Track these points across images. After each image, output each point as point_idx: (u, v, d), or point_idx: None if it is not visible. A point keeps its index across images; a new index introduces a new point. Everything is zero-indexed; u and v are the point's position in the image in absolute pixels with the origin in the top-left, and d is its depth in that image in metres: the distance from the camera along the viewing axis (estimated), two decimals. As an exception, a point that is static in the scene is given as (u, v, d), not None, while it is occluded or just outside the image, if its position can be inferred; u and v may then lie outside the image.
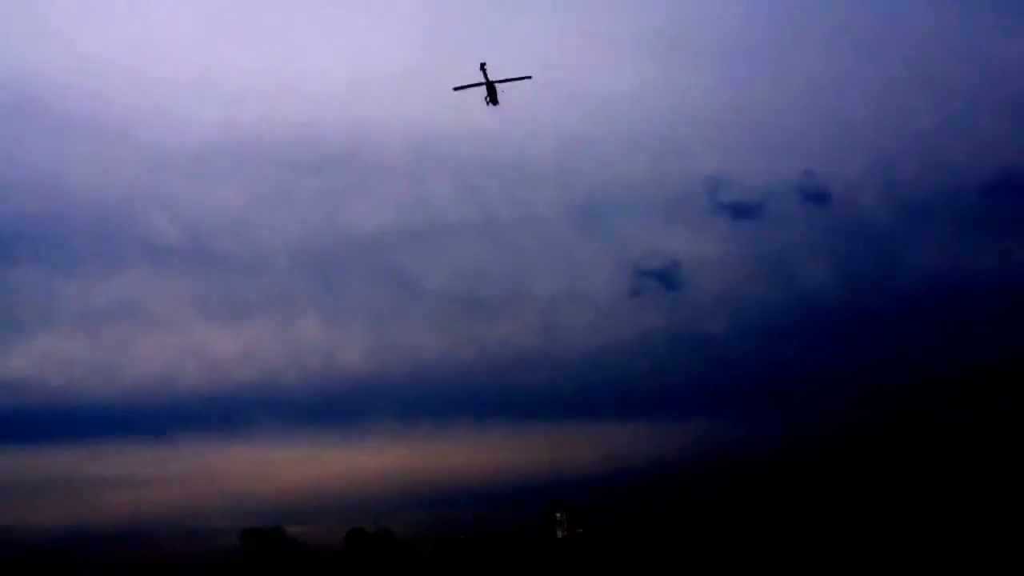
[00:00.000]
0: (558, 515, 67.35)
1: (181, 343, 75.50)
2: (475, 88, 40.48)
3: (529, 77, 41.55)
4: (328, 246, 48.67)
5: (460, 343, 71.04)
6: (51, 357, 60.00)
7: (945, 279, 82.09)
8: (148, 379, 64.56)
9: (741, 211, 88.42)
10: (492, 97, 41.78)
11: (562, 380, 76.92)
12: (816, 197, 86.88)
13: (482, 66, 40.31)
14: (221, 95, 45.11)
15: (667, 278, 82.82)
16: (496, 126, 51.39)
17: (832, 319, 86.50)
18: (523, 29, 69.88)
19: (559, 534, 68.39)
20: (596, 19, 72.28)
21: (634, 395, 77.94)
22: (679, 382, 78.40)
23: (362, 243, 52.85)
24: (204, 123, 44.42)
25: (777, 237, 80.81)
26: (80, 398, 64.22)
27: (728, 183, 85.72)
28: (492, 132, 50.05)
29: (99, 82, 43.59)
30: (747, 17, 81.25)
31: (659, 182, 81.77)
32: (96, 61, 44.66)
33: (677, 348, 75.40)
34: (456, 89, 41.80)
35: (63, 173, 42.29)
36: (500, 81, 41.62)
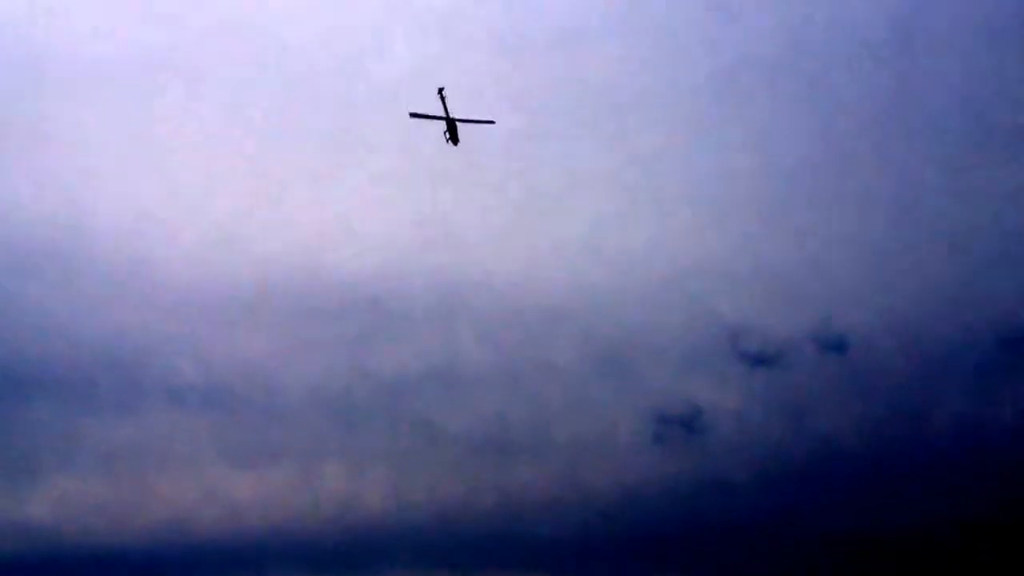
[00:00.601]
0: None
1: (200, 487, 75.46)
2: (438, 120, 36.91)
3: (492, 122, 38.48)
4: (350, 392, 49.49)
5: (483, 490, 71.36)
6: (67, 502, 59.98)
7: (964, 428, 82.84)
8: (166, 524, 64.45)
9: (761, 360, 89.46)
10: (452, 135, 38.47)
11: (585, 527, 76.67)
12: (834, 347, 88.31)
13: (440, 92, 38.61)
14: (244, 243, 46.03)
15: (690, 425, 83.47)
16: (520, 277, 52.14)
17: (850, 466, 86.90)
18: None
19: None
20: (618, 176, 74.37)
21: (659, 542, 77.71)
22: (702, 529, 78.18)
23: (384, 389, 53.68)
24: (227, 270, 45.30)
25: (796, 385, 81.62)
26: (96, 544, 63.81)
27: (748, 332, 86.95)
28: (516, 281, 50.98)
29: (122, 227, 44.56)
30: (764, 176, 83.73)
31: (681, 331, 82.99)
32: (119, 207, 45.75)
33: (700, 495, 75.51)
34: (412, 116, 38.48)
35: (83, 315, 43.06)
36: (462, 120, 38.26)
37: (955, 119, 74.96)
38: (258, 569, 73.11)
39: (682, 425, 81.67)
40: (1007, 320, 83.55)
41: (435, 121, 36.12)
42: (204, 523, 70.23)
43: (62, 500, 71.48)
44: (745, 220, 73.05)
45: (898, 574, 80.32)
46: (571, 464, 60.71)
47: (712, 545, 78.82)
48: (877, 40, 78.00)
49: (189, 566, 77.30)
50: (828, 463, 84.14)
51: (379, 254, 49.03)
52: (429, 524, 65.99)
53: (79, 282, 47.41)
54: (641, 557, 74.23)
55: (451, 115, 36.48)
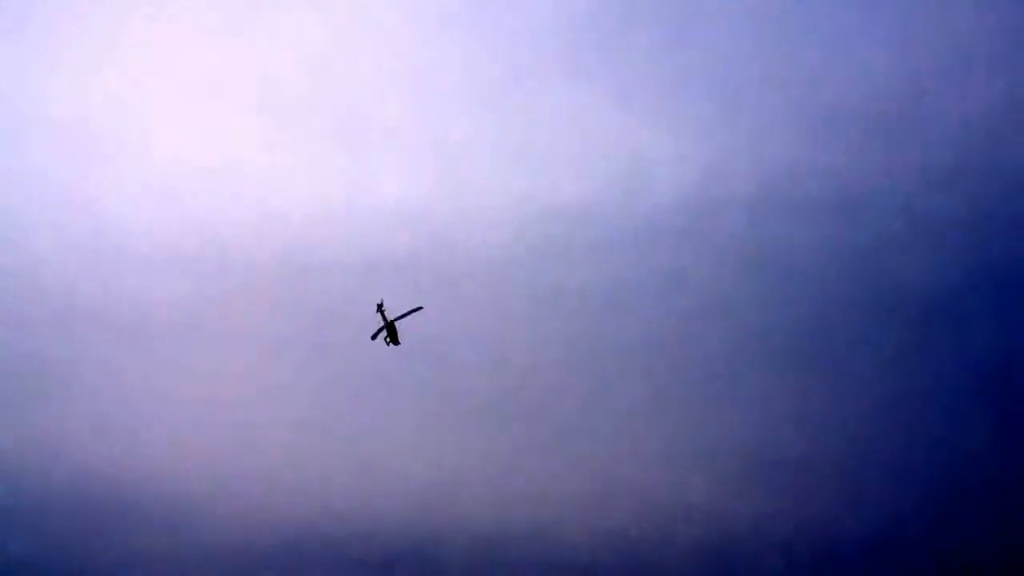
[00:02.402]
0: None
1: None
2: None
3: (420, 308, 40.08)
4: None
5: None
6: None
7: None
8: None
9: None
10: (392, 338, 40.32)
11: None
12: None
13: (379, 307, 39.61)
14: (305, 493, 45.57)
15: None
16: (554, 531, 50.13)
17: None
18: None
19: None
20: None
21: None
22: None
23: None
24: (286, 519, 44.55)
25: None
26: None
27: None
28: (551, 538, 49.21)
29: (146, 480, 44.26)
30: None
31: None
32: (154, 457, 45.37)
33: None
34: (372, 338, 40.49)
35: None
36: (397, 318, 40.08)
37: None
38: None
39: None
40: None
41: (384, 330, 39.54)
42: None
43: None
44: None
45: None
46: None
47: None
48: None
49: None
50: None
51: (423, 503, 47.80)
52: None
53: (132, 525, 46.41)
54: None
55: (389, 320, 39.36)
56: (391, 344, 39.19)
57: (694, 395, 48.58)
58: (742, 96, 50.76)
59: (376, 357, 43.51)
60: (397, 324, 38.54)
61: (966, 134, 50.37)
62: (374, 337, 38.74)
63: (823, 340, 49.31)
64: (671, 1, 51.79)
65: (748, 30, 51.49)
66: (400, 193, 49.67)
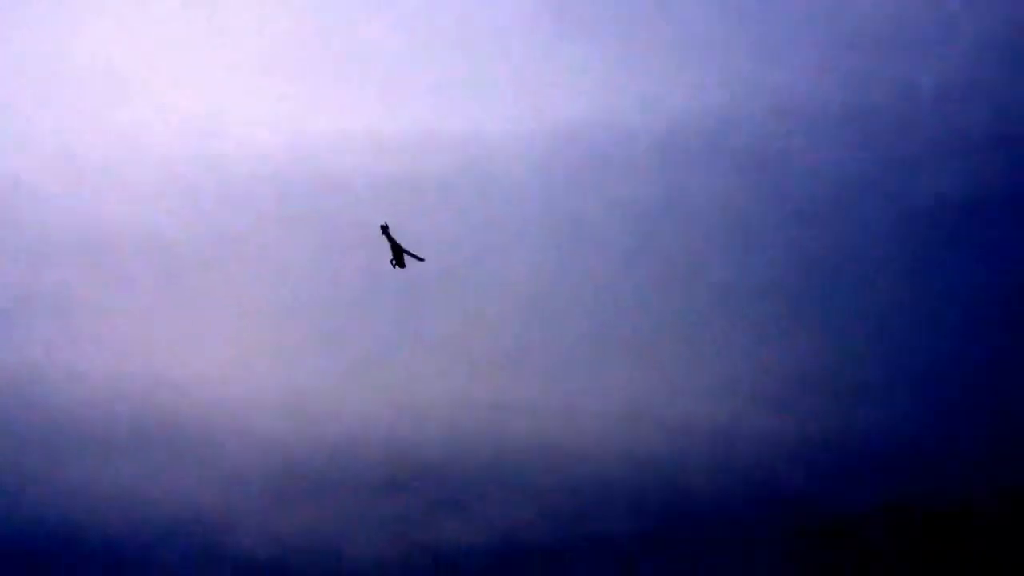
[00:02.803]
0: None
1: None
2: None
3: (423, 260, 39.15)
4: (416, 564, 47.11)
5: None
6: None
7: None
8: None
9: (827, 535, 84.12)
10: (399, 260, 39.04)
11: None
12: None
13: (384, 229, 38.69)
14: (305, 414, 45.05)
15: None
16: (576, 449, 49.58)
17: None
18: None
19: None
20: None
21: None
22: None
23: (449, 559, 50.62)
24: (288, 441, 44.34)
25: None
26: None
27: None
28: (574, 454, 48.69)
29: (178, 400, 44.23)
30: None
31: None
32: (174, 379, 45.21)
33: None
34: (393, 265, 39.32)
35: (144, 490, 42.12)
36: (406, 252, 38.74)
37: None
38: None
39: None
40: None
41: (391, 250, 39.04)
42: None
43: None
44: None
45: None
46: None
47: None
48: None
49: None
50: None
51: (444, 425, 47.45)
52: None
53: (138, 454, 46.55)
54: None
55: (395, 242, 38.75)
56: (397, 267, 39.15)
57: (713, 318, 47.88)
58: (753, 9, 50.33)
59: (404, 280, 43.64)
60: (403, 250, 38.56)
61: (987, 48, 49.25)
62: (394, 264, 38.60)
63: (848, 259, 48.28)
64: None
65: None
66: (421, 118, 49.88)
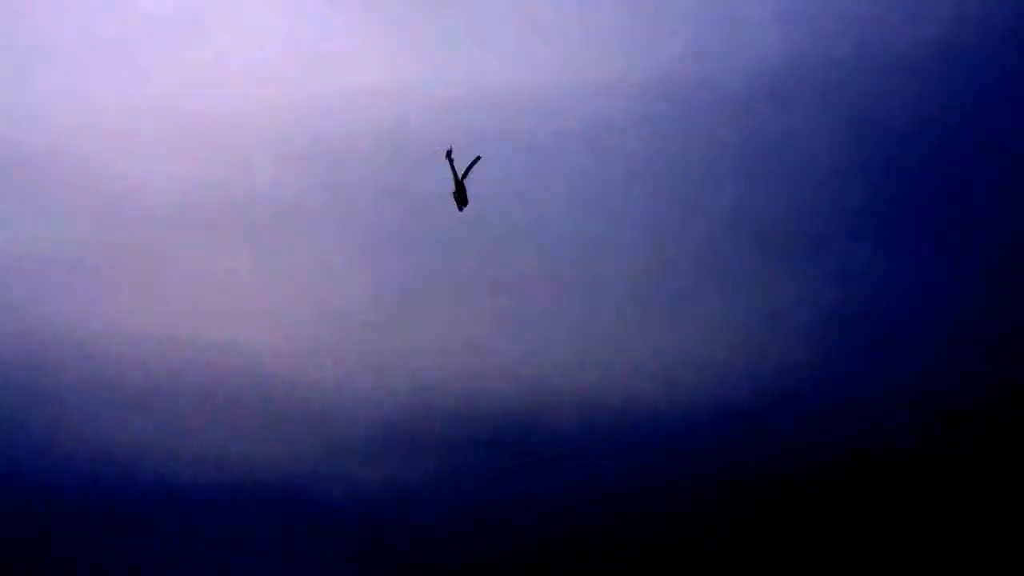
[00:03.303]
0: None
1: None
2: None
3: (479, 158, 34.49)
4: (495, 520, 47.65)
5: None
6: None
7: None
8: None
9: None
10: (461, 197, 35.42)
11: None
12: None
13: (448, 155, 34.79)
14: (394, 375, 45.36)
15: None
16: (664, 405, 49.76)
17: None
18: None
19: None
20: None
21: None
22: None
23: (530, 514, 50.99)
24: (380, 402, 44.71)
25: None
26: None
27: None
28: (653, 406, 48.98)
29: (274, 367, 44.62)
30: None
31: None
32: (272, 350, 45.63)
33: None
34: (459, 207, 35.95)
35: (233, 450, 42.77)
36: (464, 175, 35.45)
37: None
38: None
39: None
40: None
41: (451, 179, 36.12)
42: None
43: None
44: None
45: None
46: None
47: None
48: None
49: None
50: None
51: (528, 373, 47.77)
52: None
53: (233, 417, 47.14)
54: None
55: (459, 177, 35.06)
56: (459, 205, 36.47)
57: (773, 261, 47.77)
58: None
59: (469, 233, 43.59)
60: (465, 182, 36.42)
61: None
62: (457, 200, 36.74)
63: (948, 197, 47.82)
64: None
65: None
66: (480, 71, 49.15)
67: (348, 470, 45.91)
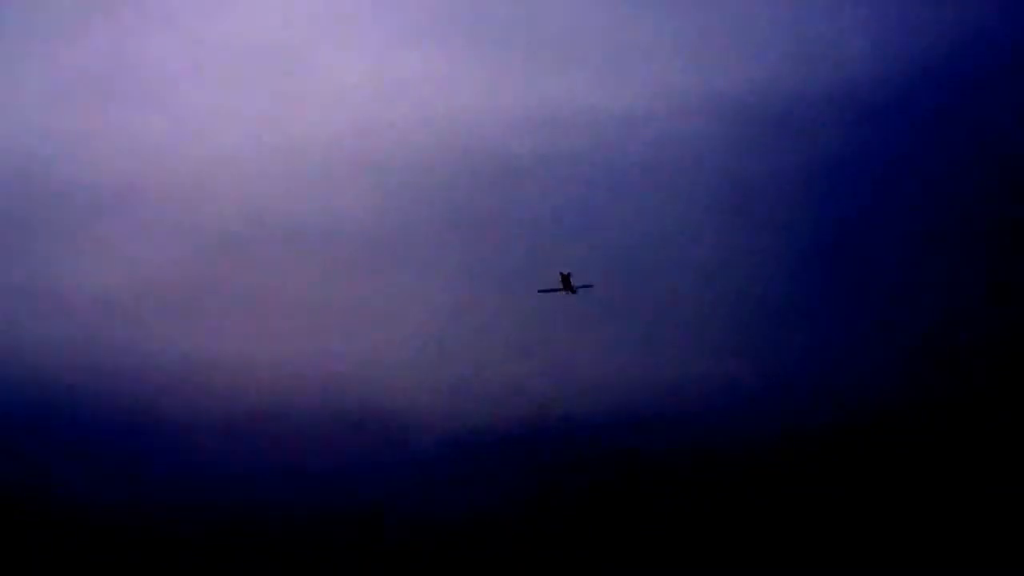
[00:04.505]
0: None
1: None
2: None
3: (591, 286, 41.95)
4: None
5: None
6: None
7: None
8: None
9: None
10: (567, 287, 42.29)
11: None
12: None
13: (565, 277, 42.59)
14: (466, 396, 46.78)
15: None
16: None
17: None
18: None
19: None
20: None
21: None
22: None
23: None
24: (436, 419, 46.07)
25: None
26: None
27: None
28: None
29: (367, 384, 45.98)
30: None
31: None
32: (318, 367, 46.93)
33: None
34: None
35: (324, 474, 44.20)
36: (573, 287, 42.09)
37: None
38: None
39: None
40: None
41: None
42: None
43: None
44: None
45: None
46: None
47: None
48: None
49: None
50: None
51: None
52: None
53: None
54: None
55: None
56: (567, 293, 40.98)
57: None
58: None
59: (532, 263, 44.49)
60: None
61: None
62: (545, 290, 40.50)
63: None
64: None
65: None
66: (563, 94, 49.33)
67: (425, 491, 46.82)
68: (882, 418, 43.20)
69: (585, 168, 48.22)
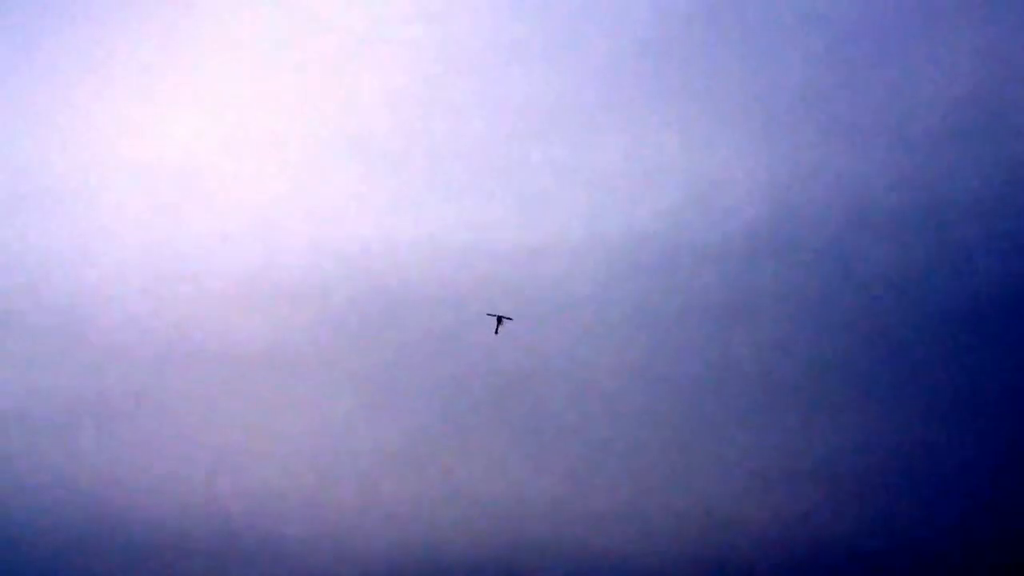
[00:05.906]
0: None
1: None
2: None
3: (511, 319, 45.30)
4: None
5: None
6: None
7: None
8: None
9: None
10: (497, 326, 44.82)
11: None
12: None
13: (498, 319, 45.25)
14: (394, 527, 46.04)
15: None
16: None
17: None
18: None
19: None
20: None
21: None
22: None
23: None
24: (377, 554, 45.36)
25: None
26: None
27: None
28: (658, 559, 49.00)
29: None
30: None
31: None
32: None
33: None
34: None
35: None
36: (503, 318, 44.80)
37: None
38: None
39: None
40: None
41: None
42: None
43: None
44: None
45: None
46: None
47: None
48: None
49: None
50: None
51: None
52: None
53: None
54: None
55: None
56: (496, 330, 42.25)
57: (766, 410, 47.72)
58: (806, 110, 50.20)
59: (465, 387, 44.32)
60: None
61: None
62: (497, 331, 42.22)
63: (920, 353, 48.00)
64: (742, 15, 51.49)
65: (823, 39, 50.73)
66: (478, 224, 50.33)
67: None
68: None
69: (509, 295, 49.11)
